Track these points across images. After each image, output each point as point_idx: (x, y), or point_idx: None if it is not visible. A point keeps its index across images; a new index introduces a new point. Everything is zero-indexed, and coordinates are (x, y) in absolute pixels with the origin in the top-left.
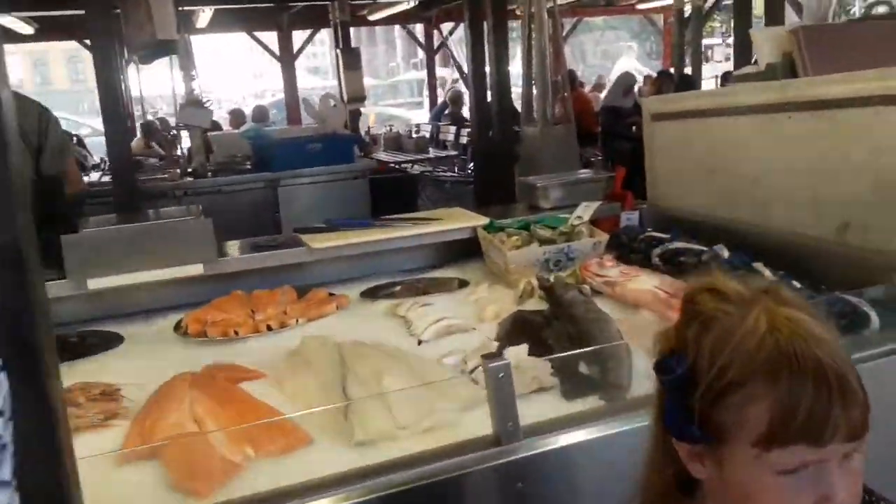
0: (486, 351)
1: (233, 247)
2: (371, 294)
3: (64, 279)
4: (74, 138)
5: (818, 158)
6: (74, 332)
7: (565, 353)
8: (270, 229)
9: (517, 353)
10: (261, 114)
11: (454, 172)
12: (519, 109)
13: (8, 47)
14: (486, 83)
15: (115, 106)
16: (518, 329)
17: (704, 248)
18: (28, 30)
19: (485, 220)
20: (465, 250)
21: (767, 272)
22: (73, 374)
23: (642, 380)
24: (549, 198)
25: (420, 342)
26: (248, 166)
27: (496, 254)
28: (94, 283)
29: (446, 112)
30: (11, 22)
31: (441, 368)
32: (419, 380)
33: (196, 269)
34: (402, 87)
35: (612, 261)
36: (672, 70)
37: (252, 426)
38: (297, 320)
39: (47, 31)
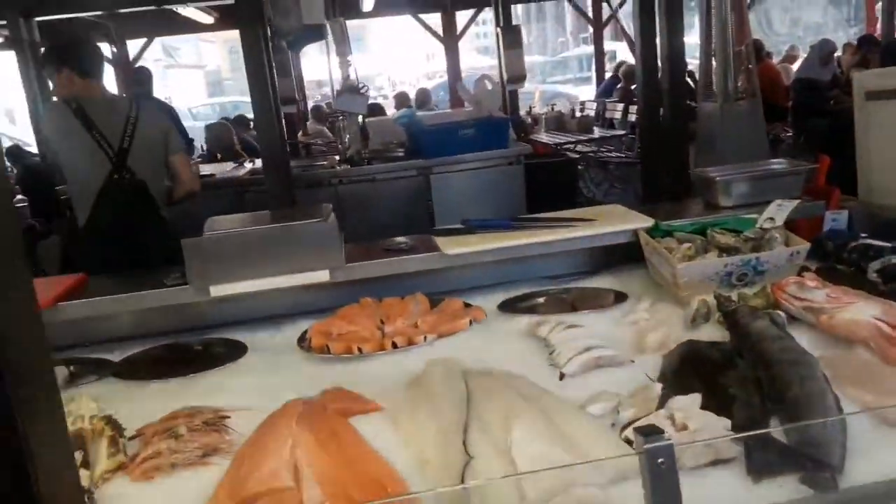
0: (645, 394)
1: (362, 250)
2: (510, 307)
3: (186, 285)
4: (252, 123)
5: None
6: (200, 339)
7: (763, 430)
8: (424, 219)
9: (687, 406)
10: (423, 97)
11: (620, 154)
12: (694, 85)
13: (204, 36)
14: (657, 56)
15: (263, 93)
16: (689, 366)
17: None
18: (208, 19)
19: (649, 221)
20: (626, 255)
21: None
22: (190, 392)
23: (862, 455)
24: (731, 194)
25: (562, 376)
26: (402, 153)
27: (662, 264)
28: (217, 290)
29: (618, 87)
30: (193, 13)
31: (585, 420)
32: (557, 434)
33: (322, 276)
34: (571, 63)
35: (817, 279)
36: (878, 36)
37: (354, 487)
38: (426, 337)
39: (225, 18)
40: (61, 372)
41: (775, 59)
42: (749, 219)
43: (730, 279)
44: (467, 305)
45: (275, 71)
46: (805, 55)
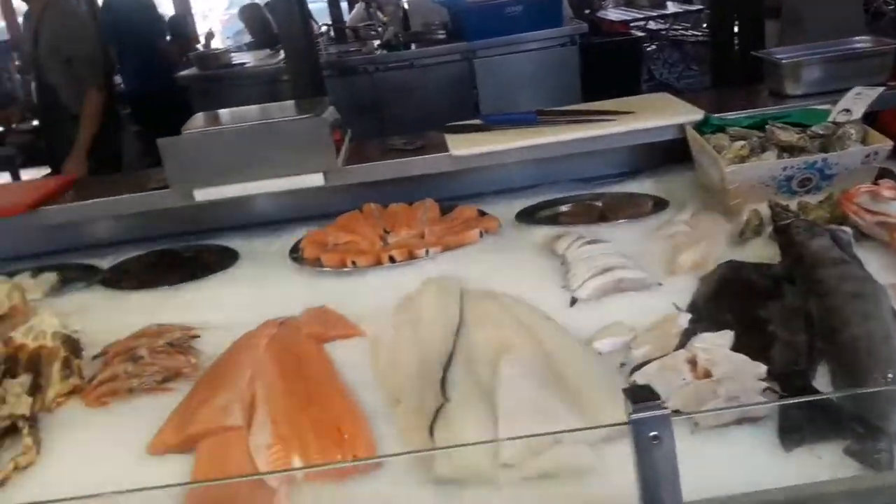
0: (667, 328)
1: (365, 151)
2: (528, 216)
3: (167, 188)
4: None
5: None
6: (193, 246)
7: (820, 395)
8: (469, 108)
9: (714, 347)
10: None
11: (696, 31)
12: None
13: None
14: None
15: None
16: (726, 294)
17: None
18: None
19: (698, 114)
20: (673, 154)
21: None
22: (172, 303)
23: None
24: (800, 80)
25: (574, 301)
26: (443, 36)
27: (711, 166)
28: (201, 195)
29: None
30: None
31: (588, 358)
32: (552, 375)
33: (315, 180)
34: None
35: (894, 188)
36: None
37: (309, 431)
38: (428, 251)
39: None
40: (49, 278)
41: None
42: (820, 111)
43: (790, 185)
44: (482, 213)
45: None
46: None
